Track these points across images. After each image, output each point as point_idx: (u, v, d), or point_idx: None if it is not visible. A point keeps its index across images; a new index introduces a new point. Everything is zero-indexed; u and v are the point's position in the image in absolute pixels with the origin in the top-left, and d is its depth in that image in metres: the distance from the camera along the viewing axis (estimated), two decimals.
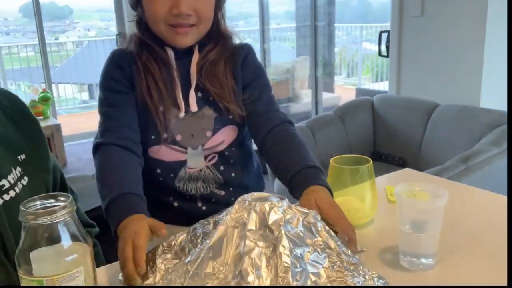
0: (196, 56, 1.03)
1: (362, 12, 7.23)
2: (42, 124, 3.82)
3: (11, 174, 0.87)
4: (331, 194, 0.89)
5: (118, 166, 0.94)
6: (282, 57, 5.98)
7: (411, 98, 2.82)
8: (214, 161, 1.07)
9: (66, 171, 3.86)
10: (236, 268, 0.65)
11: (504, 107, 2.32)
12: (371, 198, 0.95)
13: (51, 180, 0.98)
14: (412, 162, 2.64)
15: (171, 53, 1.03)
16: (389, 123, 2.80)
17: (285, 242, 0.66)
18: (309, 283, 0.64)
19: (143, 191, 1.10)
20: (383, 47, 3.15)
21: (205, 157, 1.07)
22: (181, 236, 0.77)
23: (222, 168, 1.08)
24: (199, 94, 1.03)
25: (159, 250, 0.76)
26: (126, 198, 0.87)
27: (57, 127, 3.92)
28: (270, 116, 1.04)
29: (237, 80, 1.05)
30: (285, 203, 0.72)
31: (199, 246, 0.72)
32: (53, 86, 5.87)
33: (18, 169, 0.89)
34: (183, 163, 1.06)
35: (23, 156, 0.91)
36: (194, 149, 1.05)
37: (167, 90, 1.02)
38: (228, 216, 0.71)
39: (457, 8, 2.68)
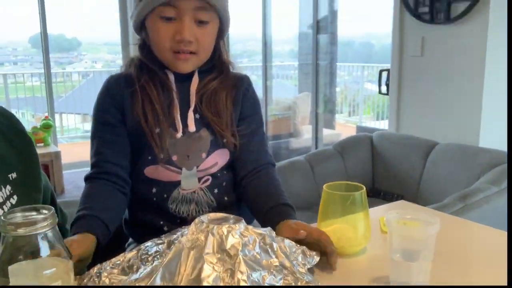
0: (196, 80, 1.06)
1: (364, 53, 7.35)
2: (42, 151, 3.87)
3: (0, 192, 0.86)
4: None
5: (93, 194, 1.01)
6: (284, 94, 6.04)
7: (410, 135, 2.82)
8: (208, 183, 1.08)
9: (63, 198, 3.85)
10: None
11: (503, 147, 2.31)
12: (364, 226, 0.93)
13: (41, 200, 0.97)
14: (410, 199, 2.59)
15: (171, 77, 1.05)
16: (388, 160, 2.79)
17: (242, 267, 0.66)
18: None
19: (136, 215, 1.12)
20: (383, 85, 3.19)
21: (199, 179, 1.07)
22: (130, 253, 0.76)
23: (215, 191, 1.08)
24: (197, 116, 1.05)
25: (105, 264, 0.76)
26: (85, 218, 0.94)
27: (57, 154, 3.92)
28: (258, 156, 1.10)
29: (236, 110, 1.09)
30: (242, 225, 0.72)
31: (149, 265, 0.71)
32: (57, 115, 5.92)
33: (8, 187, 0.88)
34: (177, 184, 1.06)
35: (14, 175, 0.90)
36: (189, 170, 1.06)
37: (163, 112, 1.03)
38: (184, 237, 0.70)
39: (456, 48, 2.72)
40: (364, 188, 0.93)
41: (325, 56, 4.66)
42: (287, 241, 0.81)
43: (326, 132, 4.83)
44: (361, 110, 6.64)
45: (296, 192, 2.45)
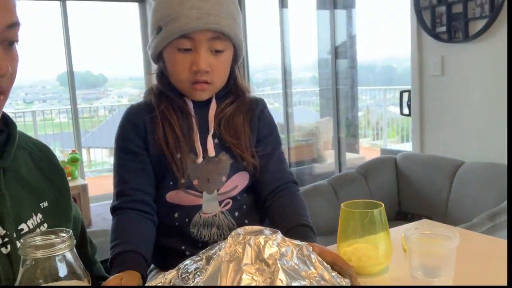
0: (213, 106, 1.09)
1: (386, 76, 7.34)
2: (70, 184, 3.92)
3: (31, 219, 0.88)
4: None
5: (127, 226, 1.01)
6: (306, 120, 6.05)
7: (435, 156, 2.77)
8: (228, 206, 1.09)
9: (90, 230, 3.90)
10: None
11: None
12: (384, 244, 0.92)
13: (70, 229, 0.99)
14: (439, 221, 2.54)
15: (190, 103, 1.08)
16: (413, 182, 2.75)
17: (282, 275, 0.65)
18: None
19: (157, 241, 1.12)
20: (405, 106, 3.16)
21: (220, 203, 1.08)
22: (170, 273, 0.76)
23: (236, 214, 1.09)
24: (216, 141, 1.07)
25: None
26: (126, 254, 0.95)
27: (84, 187, 4.00)
28: (278, 175, 1.11)
29: (253, 132, 1.10)
30: (279, 236, 0.72)
31: (191, 282, 0.71)
32: (85, 150, 6.06)
33: (39, 215, 0.90)
34: (198, 208, 1.07)
35: (45, 204, 0.92)
36: (210, 193, 1.07)
37: (184, 137, 1.05)
38: (222, 250, 0.70)
39: (477, 66, 2.70)
40: (383, 205, 0.92)
41: (345, 80, 4.67)
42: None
43: (349, 156, 4.80)
44: (385, 133, 6.58)
45: (320, 216, 2.43)
